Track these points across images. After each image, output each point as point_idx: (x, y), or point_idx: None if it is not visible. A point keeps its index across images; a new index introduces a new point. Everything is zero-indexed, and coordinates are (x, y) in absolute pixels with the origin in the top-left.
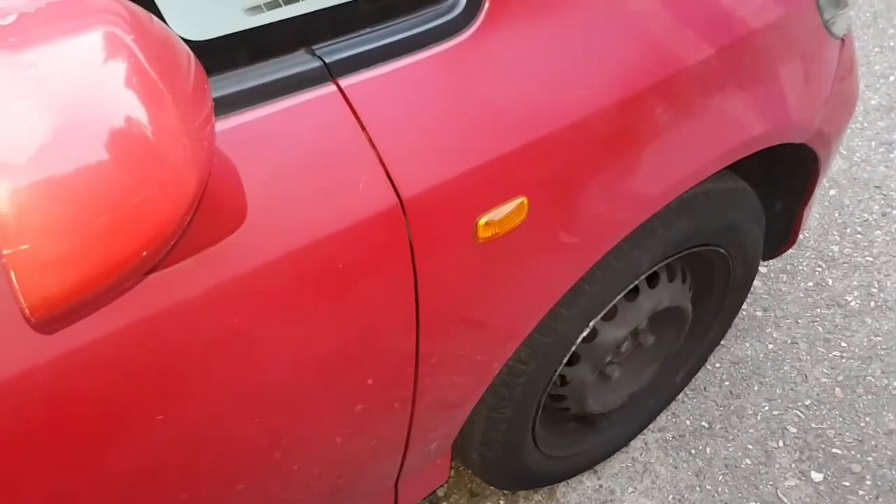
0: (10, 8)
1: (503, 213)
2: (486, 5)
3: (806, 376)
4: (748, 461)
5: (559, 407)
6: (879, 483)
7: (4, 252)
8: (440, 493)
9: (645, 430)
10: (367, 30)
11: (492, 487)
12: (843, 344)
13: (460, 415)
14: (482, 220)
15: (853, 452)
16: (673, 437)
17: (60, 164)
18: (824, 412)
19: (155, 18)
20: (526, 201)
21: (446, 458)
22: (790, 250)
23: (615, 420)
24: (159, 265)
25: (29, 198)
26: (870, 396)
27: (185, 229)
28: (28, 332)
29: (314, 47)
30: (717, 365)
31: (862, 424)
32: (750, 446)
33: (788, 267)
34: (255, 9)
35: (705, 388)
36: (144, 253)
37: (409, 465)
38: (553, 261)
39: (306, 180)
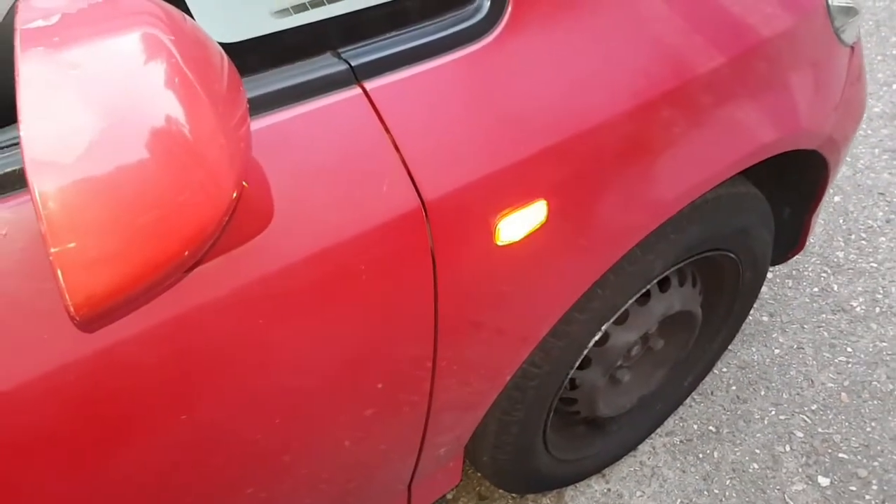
0: (53, 8)
1: (523, 216)
2: (509, 10)
3: (812, 381)
4: (755, 465)
5: (569, 410)
6: (886, 488)
7: (52, 250)
8: (449, 496)
9: (653, 434)
10: (392, 33)
11: (500, 490)
12: (849, 349)
13: (474, 417)
14: (502, 223)
15: (859, 457)
16: (681, 441)
17: (107, 163)
18: (831, 417)
19: (189, 18)
20: (545, 204)
21: (459, 461)
22: (796, 256)
23: (624, 424)
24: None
25: (77, 196)
26: (875, 401)
27: (223, 230)
28: (57, 331)
29: (340, 50)
30: (724, 369)
31: (868, 429)
32: (757, 451)
33: (794, 272)
34: (283, 12)
35: (712, 393)
36: (186, 252)
37: (423, 467)
38: (569, 264)
39: (331, 182)
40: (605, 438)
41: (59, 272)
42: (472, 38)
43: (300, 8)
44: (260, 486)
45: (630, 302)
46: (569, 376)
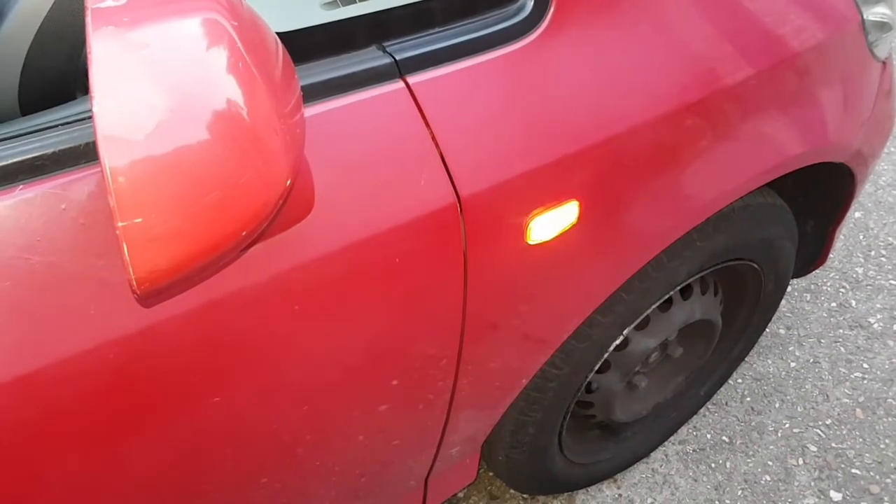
0: None
1: (555, 216)
2: (551, 11)
3: (827, 396)
4: (768, 477)
5: (586, 414)
6: None
7: (119, 224)
8: (460, 494)
9: (666, 442)
10: (437, 29)
11: (511, 491)
12: (865, 365)
13: (494, 416)
14: (534, 222)
15: (872, 473)
16: (693, 450)
17: (174, 142)
18: (845, 432)
19: (246, 4)
20: (577, 205)
21: (475, 458)
22: (816, 270)
23: (638, 430)
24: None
25: (146, 173)
26: (890, 419)
27: (279, 212)
28: (103, 307)
29: (385, 44)
30: (739, 381)
31: (882, 446)
32: (770, 463)
33: (812, 287)
34: (331, 4)
35: (727, 403)
36: (244, 233)
37: (440, 463)
38: (598, 266)
39: (371, 174)
40: (618, 444)
41: (124, 246)
42: (514, 38)
43: (348, 1)
44: (278, 477)
45: (652, 308)
46: (588, 379)
